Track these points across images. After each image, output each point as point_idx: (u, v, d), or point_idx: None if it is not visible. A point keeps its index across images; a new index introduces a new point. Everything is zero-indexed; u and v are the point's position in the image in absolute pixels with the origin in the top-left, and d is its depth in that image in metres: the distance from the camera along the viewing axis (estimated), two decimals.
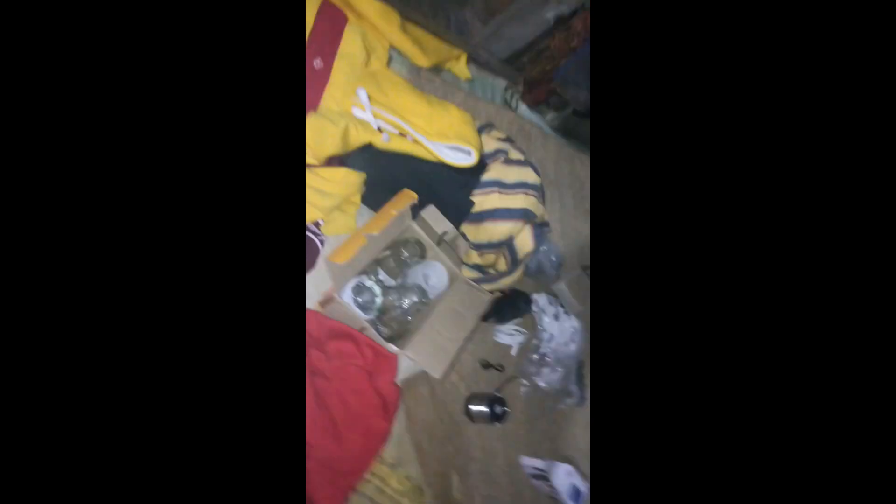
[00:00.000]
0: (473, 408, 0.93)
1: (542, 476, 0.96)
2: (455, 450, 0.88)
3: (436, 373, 0.73)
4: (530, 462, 0.98)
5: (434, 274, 0.86)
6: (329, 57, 0.91)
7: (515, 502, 0.96)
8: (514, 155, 1.06)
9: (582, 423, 1.12)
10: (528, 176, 1.03)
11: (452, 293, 0.84)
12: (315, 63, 0.89)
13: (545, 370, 1.03)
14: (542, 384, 1.01)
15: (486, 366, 1.00)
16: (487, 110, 1.22)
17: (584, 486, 0.96)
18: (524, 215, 1.00)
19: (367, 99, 0.91)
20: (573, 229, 1.32)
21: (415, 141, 0.94)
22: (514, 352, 1.04)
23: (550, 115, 1.40)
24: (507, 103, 1.31)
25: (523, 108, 1.32)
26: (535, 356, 1.05)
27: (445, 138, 0.97)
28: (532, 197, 1.02)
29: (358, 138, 0.87)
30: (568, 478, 0.96)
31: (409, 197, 0.78)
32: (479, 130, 1.13)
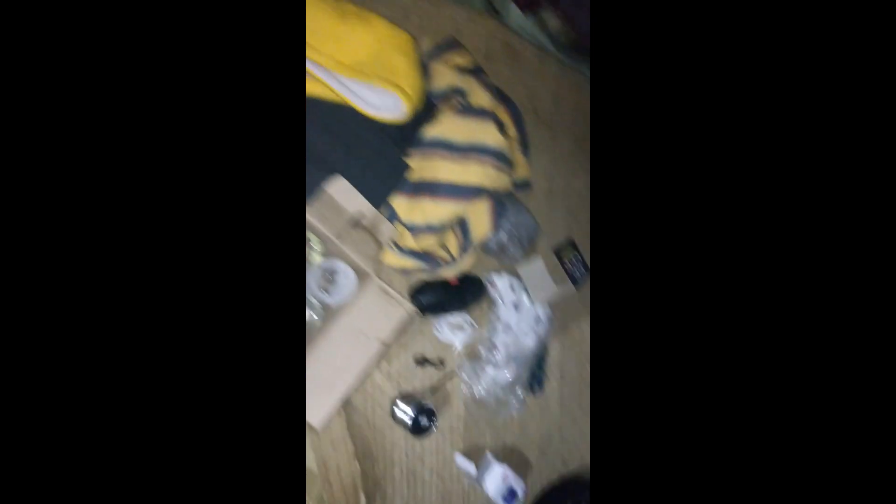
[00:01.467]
0: (398, 411, 0.81)
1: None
2: (371, 464, 0.78)
3: (314, 419, 0.58)
4: (463, 463, 0.89)
5: (339, 275, 0.67)
6: None
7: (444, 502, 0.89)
8: (477, 97, 0.77)
9: (535, 415, 1.01)
10: (488, 135, 0.75)
11: (358, 304, 0.66)
12: None
13: (489, 370, 0.88)
14: (481, 392, 0.87)
15: (422, 362, 0.86)
16: (454, 17, 0.88)
17: (521, 488, 0.89)
18: (475, 194, 0.75)
19: None
20: (565, 187, 1.05)
21: (317, 80, 0.67)
22: (457, 348, 0.89)
23: (555, 25, 1.01)
24: (489, 5, 0.94)
25: (514, 13, 0.95)
26: (482, 350, 0.90)
27: (362, 74, 0.68)
28: (490, 167, 0.75)
29: None
30: (503, 482, 0.88)
31: None
32: (434, 52, 0.82)
